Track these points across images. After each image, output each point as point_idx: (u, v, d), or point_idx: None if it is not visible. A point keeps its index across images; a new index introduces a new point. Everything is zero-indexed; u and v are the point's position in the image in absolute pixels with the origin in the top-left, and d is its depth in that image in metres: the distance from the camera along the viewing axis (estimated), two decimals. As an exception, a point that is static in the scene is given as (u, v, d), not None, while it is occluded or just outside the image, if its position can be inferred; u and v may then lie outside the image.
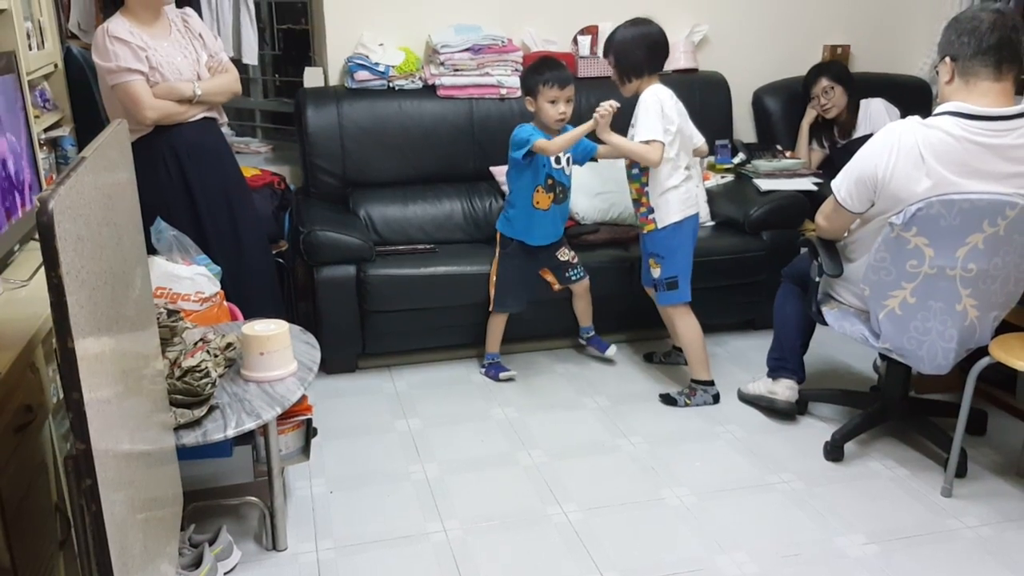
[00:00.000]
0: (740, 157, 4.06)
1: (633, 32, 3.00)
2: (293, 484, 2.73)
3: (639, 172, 3.05)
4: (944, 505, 2.62)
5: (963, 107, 2.38)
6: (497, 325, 3.42)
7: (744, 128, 4.37)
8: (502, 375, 3.41)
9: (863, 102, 4.03)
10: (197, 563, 2.19)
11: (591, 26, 4.00)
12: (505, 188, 3.78)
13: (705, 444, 2.97)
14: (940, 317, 2.52)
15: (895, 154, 2.41)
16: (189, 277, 2.66)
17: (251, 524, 2.53)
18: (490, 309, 3.37)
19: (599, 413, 3.19)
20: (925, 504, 2.63)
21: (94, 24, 3.52)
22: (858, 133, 3.99)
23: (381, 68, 3.75)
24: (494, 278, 3.35)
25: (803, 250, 3.07)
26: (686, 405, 3.21)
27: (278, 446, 2.37)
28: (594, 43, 4.00)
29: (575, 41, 4.04)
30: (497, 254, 3.35)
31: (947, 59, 2.44)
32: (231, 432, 2.10)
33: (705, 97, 4.05)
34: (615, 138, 2.98)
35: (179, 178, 2.91)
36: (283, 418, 2.38)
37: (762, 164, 3.96)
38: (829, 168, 3.93)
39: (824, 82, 3.99)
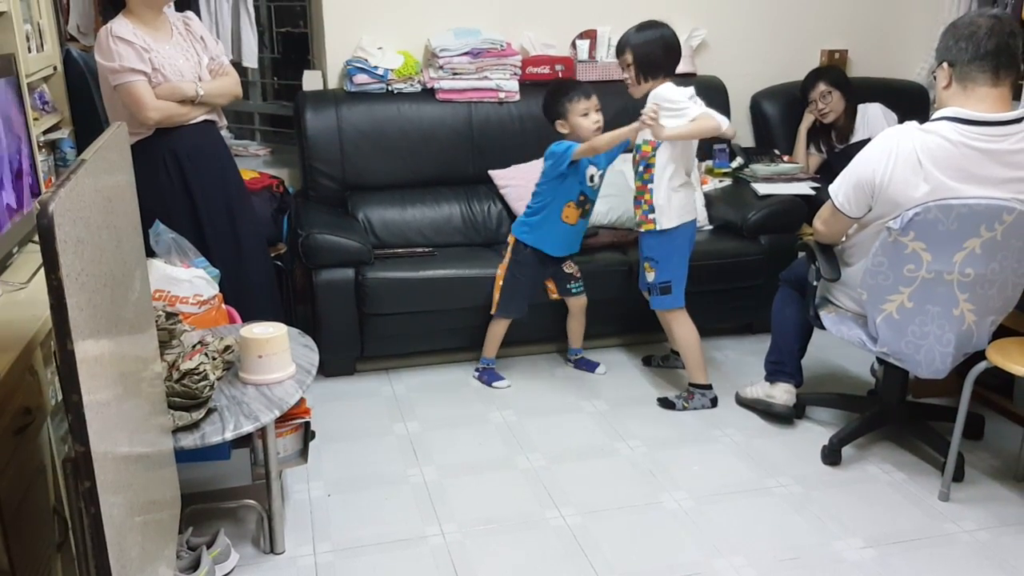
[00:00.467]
0: (738, 161, 4.06)
1: (651, 34, 3.00)
2: (291, 487, 2.73)
3: (644, 169, 3.06)
4: (941, 509, 2.62)
5: (961, 112, 2.39)
6: (498, 330, 3.41)
7: (742, 132, 4.37)
8: (496, 384, 3.41)
9: (861, 107, 4.04)
10: (195, 566, 2.19)
11: (589, 30, 4.01)
12: (504, 192, 3.79)
13: (703, 448, 2.98)
14: (938, 321, 2.52)
15: (893, 159, 2.41)
16: (188, 280, 2.67)
17: (249, 527, 2.53)
18: (492, 313, 3.37)
19: (597, 417, 3.19)
20: (922, 508, 2.63)
21: (93, 27, 3.53)
22: (856, 138, 4.00)
23: (380, 71, 3.75)
24: (500, 283, 3.34)
25: (801, 254, 3.07)
26: (684, 409, 3.21)
27: (276, 449, 2.37)
28: (592, 47, 4.01)
29: (573, 45, 4.04)
30: (507, 260, 3.33)
31: (945, 64, 2.45)
32: (229, 435, 2.10)
33: (703, 101, 4.05)
34: (672, 131, 2.92)
35: (178, 181, 2.92)
36: (281, 421, 2.38)
37: (760, 168, 3.97)
38: (827, 173, 3.94)
39: (822, 87, 4.00)
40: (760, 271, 3.65)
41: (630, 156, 3.17)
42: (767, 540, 2.48)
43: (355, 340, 3.42)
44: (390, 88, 3.80)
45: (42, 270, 1.09)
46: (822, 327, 2.85)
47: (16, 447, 1.72)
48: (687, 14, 4.18)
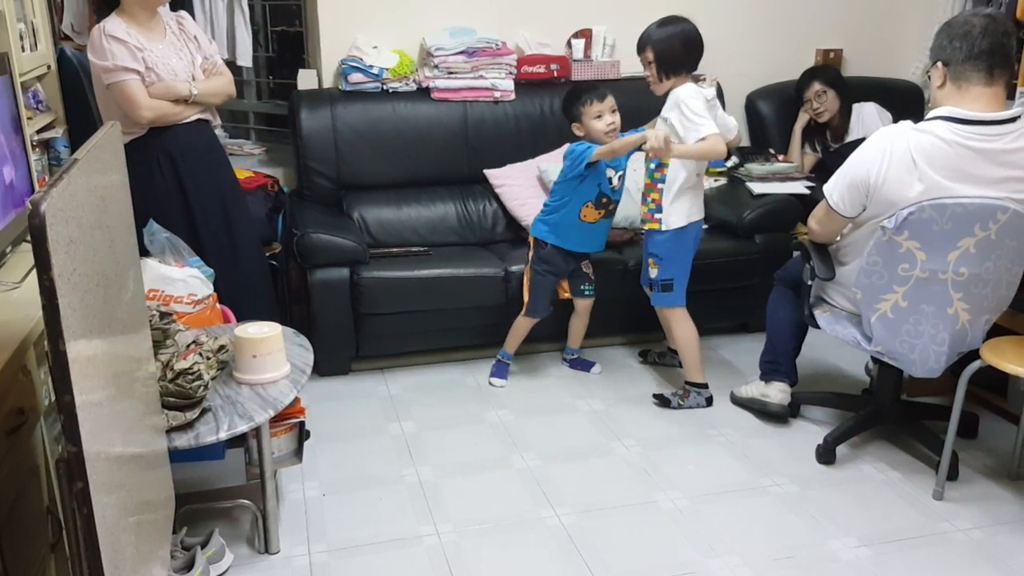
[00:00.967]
0: (733, 160, 4.07)
1: (673, 30, 2.95)
2: (286, 487, 2.72)
3: (656, 168, 3.05)
4: (936, 508, 2.63)
5: (955, 112, 2.39)
6: (523, 328, 3.38)
7: (737, 131, 4.38)
8: (495, 380, 3.42)
9: (855, 106, 4.05)
10: (189, 566, 2.18)
11: (585, 29, 4.01)
12: (499, 191, 3.79)
13: (698, 447, 2.98)
14: (932, 321, 2.53)
15: (887, 159, 2.41)
16: (182, 279, 2.66)
17: (243, 527, 2.53)
18: (523, 314, 3.34)
19: (593, 416, 3.19)
20: (917, 507, 2.63)
21: (87, 26, 3.52)
22: (850, 137, 4.00)
23: (375, 70, 3.75)
24: (528, 283, 3.33)
25: (796, 253, 3.08)
26: (679, 407, 3.21)
27: (271, 449, 2.37)
28: (588, 47, 4.01)
29: (569, 44, 4.04)
30: (530, 259, 3.32)
31: (939, 64, 2.45)
32: (223, 435, 2.09)
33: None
34: (680, 151, 2.91)
35: (173, 180, 2.91)
36: (276, 421, 2.38)
37: (755, 168, 3.97)
38: (822, 172, 3.94)
39: (817, 86, 4.00)
40: (755, 270, 3.65)
41: (639, 152, 3.14)
42: (762, 539, 2.48)
43: (350, 340, 3.41)
44: (385, 87, 3.79)
45: (35, 270, 1.09)
46: (817, 326, 2.85)
47: (9, 448, 1.72)
48: (682, 13, 4.17)
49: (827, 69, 4.15)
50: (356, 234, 3.46)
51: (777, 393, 3.06)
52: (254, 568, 2.36)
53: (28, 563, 1.79)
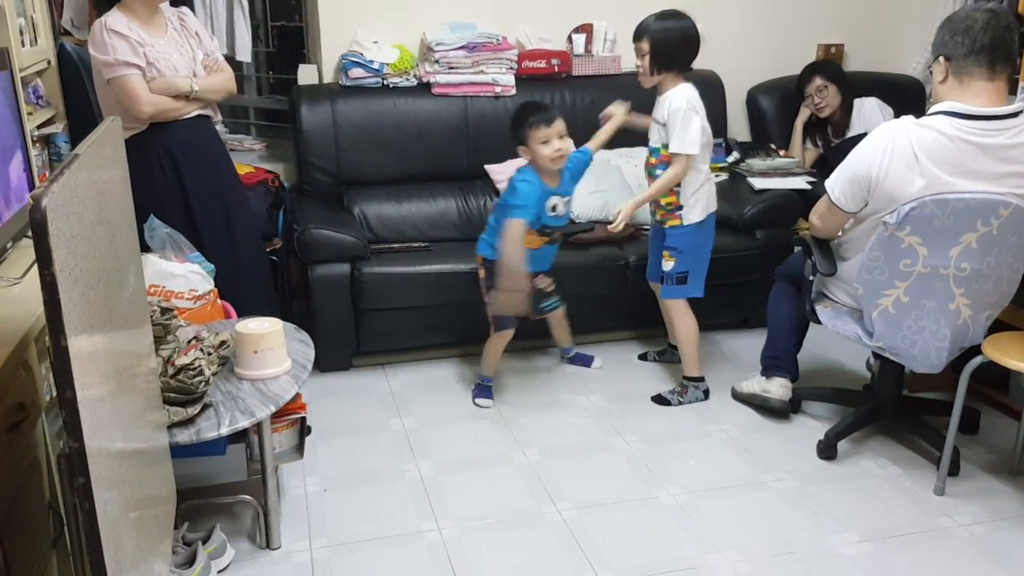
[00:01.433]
0: (734, 156, 4.07)
1: (673, 24, 2.92)
2: (287, 483, 2.73)
3: (664, 170, 3.04)
4: (937, 504, 2.63)
5: (957, 107, 2.39)
6: (496, 347, 3.22)
7: (738, 127, 4.37)
8: (480, 401, 3.23)
9: (857, 101, 4.04)
10: (190, 561, 2.19)
11: (585, 24, 4.00)
12: (500, 186, 3.78)
13: (699, 443, 2.98)
14: (933, 316, 2.52)
15: (889, 154, 2.41)
16: (182, 275, 2.66)
17: (245, 523, 2.53)
18: (493, 331, 3.19)
19: (593, 412, 3.19)
20: (918, 503, 2.63)
21: (87, 21, 3.51)
22: (852, 132, 4.00)
23: (375, 66, 3.74)
24: (487, 301, 3.16)
25: (797, 249, 3.07)
26: (679, 403, 3.21)
27: (272, 444, 2.37)
28: (589, 42, 4.00)
29: (569, 39, 4.04)
30: (481, 279, 3.18)
31: (941, 59, 2.45)
32: (225, 430, 2.10)
33: (699, 95, 4.05)
34: (648, 194, 3.03)
35: (173, 176, 2.91)
36: (277, 416, 2.38)
37: (756, 163, 3.97)
38: (823, 167, 3.94)
39: (818, 81, 3.99)
40: (756, 266, 3.65)
41: (637, 156, 3.10)
42: (762, 535, 2.48)
43: (351, 335, 3.41)
44: (386, 82, 3.78)
45: (36, 265, 1.09)
46: (818, 322, 2.85)
47: (10, 443, 1.72)
48: (683, 8, 4.16)
49: (828, 64, 4.14)
50: (357, 230, 3.46)
51: (778, 388, 3.06)
52: (255, 563, 2.36)
53: (29, 559, 1.79)
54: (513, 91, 3.86)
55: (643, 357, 3.61)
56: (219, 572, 2.29)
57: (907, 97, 4.23)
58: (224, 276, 2.91)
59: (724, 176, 4.02)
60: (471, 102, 3.84)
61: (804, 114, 4.12)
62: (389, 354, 3.57)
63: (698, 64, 4.17)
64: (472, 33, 3.78)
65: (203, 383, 2.14)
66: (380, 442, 2.99)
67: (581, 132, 4.02)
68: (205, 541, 2.27)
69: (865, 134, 2.60)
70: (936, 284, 2.48)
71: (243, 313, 2.76)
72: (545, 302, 3.29)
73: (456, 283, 3.39)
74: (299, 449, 2.53)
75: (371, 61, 3.74)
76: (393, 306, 3.38)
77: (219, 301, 2.78)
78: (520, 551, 2.42)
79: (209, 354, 2.31)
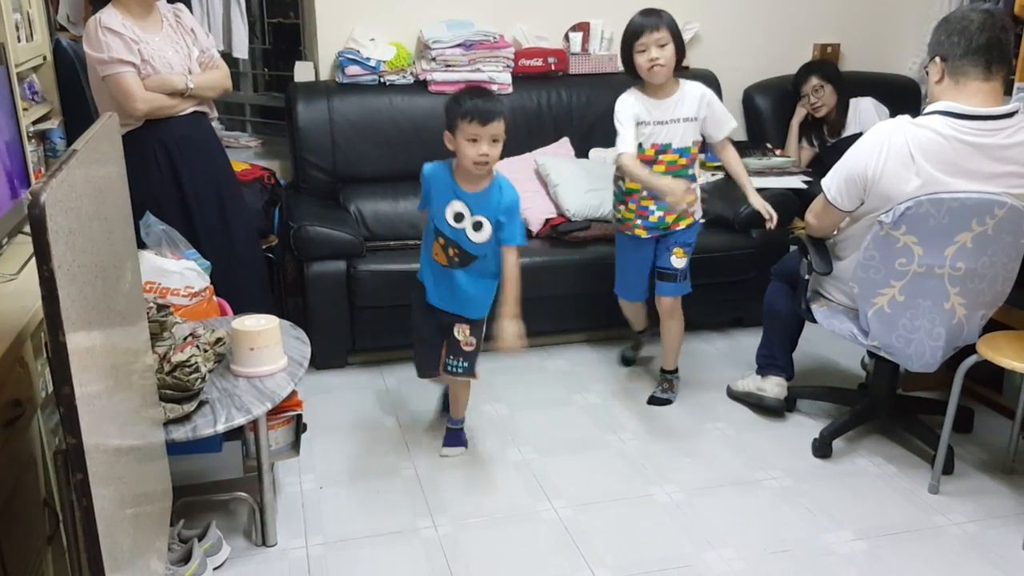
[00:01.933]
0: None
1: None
2: (283, 480, 2.72)
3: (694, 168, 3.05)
4: (931, 502, 2.64)
5: (953, 107, 2.39)
6: (457, 390, 2.83)
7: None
8: (447, 451, 2.87)
9: (853, 101, 4.05)
10: (186, 558, 2.19)
11: (583, 22, 4.00)
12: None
13: (694, 441, 2.98)
14: (928, 315, 2.53)
15: (885, 153, 2.42)
16: (178, 272, 2.66)
17: (240, 520, 2.53)
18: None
19: (589, 410, 3.19)
20: (912, 501, 2.64)
21: (83, 17, 3.50)
22: (847, 132, 4.01)
23: (372, 63, 3.74)
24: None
25: (792, 248, 3.08)
26: (673, 399, 3.22)
27: (268, 441, 2.36)
28: (585, 40, 4.00)
29: (566, 37, 4.04)
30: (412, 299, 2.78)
31: (937, 59, 2.45)
32: (221, 427, 2.09)
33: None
34: (751, 184, 3.10)
35: (169, 172, 2.90)
36: (273, 413, 2.38)
37: (752, 162, 3.96)
38: (819, 166, 3.95)
39: (814, 81, 4.00)
40: (751, 265, 3.66)
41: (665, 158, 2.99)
42: (757, 533, 2.49)
43: (347, 333, 3.41)
44: (382, 80, 3.78)
45: (32, 261, 1.09)
46: (813, 320, 2.86)
47: (6, 439, 1.72)
48: (680, 7, 4.13)
49: (824, 64, 4.15)
50: (352, 227, 3.45)
51: (773, 387, 3.07)
52: (251, 560, 2.36)
53: (25, 555, 1.79)
54: (510, 89, 3.86)
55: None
56: (215, 569, 2.29)
57: (903, 97, 4.25)
58: (220, 273, 2.90)
59: (720, 175, 4.02)
60: (468, 100, 3.83)
61: (800, 113, 4.13)
62: (385, 351, 3.56)
63: (694, 63, 4.23)
64: (469, 31, 3.78)
65: (199, 380, 2.14)
66: (376, 439, 2.99)
67: (576, 130, 4.04)
68: (201, 538, 2.27)
69: (861, 134, 2.60)
70: (931, 283, 2.49)
71: (239, 310, 2.76)
72: (452, 361, 2.70)
73: (452, 281, 3.39)
74: (295, 446, 2.53)
75: (368, 58, 3.73)
76: (389, 304, 3.37)
77: (215, 298, 2.78)
78: (516, 548, 2.42)
79: (205, 351, 2.31)
